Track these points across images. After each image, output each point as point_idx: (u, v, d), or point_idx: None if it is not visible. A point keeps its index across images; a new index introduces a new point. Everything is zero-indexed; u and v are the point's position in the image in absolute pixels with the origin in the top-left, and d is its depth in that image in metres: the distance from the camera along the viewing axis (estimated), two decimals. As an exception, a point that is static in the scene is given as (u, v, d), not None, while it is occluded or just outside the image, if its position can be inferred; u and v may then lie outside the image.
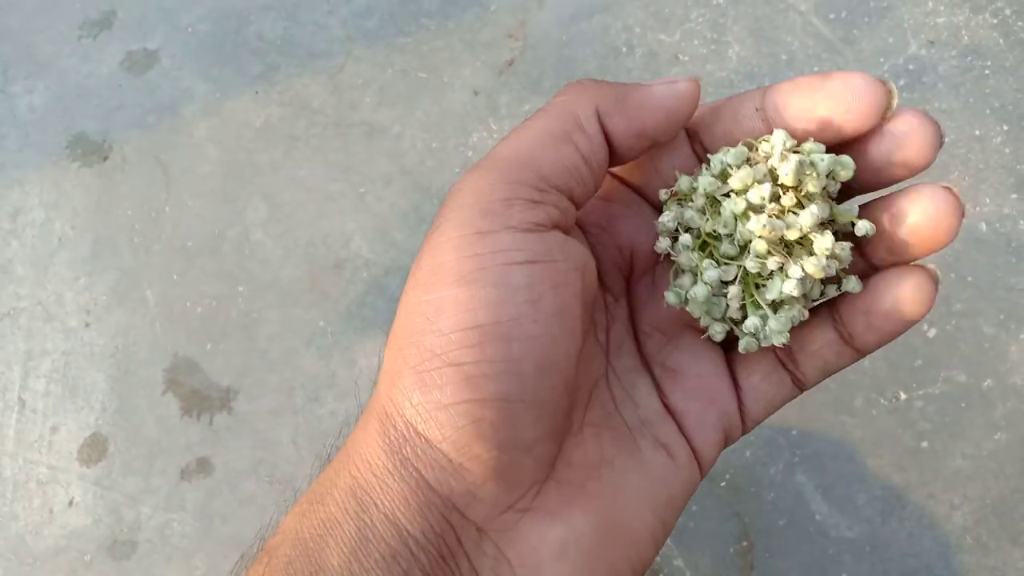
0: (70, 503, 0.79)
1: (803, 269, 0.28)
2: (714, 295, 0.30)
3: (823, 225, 0.29)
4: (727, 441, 0.31)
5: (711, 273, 0.30)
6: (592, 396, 0.31)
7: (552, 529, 0.27)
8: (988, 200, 0.78)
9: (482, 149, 0.85)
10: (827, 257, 0.28)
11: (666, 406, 0.31)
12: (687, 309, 0.31)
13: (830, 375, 0.31)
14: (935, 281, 0.29)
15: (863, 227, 0.29)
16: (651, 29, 0.88)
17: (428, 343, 0.26)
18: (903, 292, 0.28)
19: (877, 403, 0.74)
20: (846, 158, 0.29)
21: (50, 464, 0.81)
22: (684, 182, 0.31)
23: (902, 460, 0.72)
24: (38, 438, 0.82)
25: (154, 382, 0.82)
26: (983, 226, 0.77)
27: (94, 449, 0.81)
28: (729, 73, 0.86)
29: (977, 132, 0.80)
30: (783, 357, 0.31)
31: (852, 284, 0.30)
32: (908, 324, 0.29)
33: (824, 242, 0.28)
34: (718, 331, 0.31)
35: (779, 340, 0.29)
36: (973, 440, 0.72)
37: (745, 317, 0.30)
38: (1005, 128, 0.80)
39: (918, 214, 0.28)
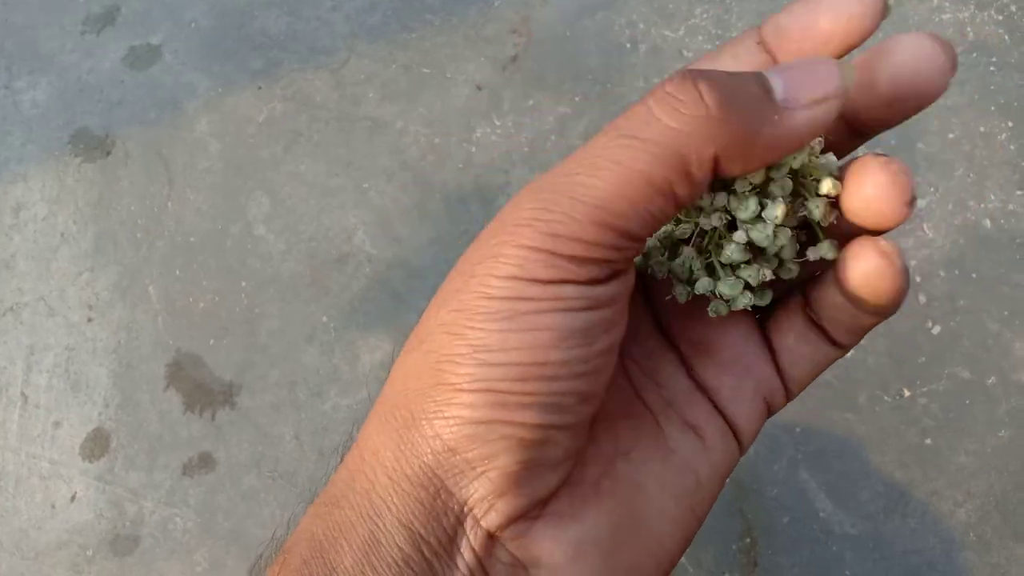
0: (72, 498, 0.79)
1: (747, 235, 0.27)
2: (671, 256, 0.29)
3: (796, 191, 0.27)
4: (771, 410, 0.30)
5: (663, 228, 0.28)
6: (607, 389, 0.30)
7: (566, 531, 0.26)
8: (993, 196, 0.78)
9: (485, 144, 0.85)
10: (776, 225, 0.26)
11: (696, 383, 0.30)
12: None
13: (862, 335, 0.28)
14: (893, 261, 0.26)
15: (827, 185, 0.26)
16: (655, 25, 0.88)
17: (470, 368, 0.25)
18: (864, 266, 0.26)
19: (881, 400, 0.73)
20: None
21: (52, 459, 0.81)
22: None
23: (905, 457, 0.72)
24: (41, 433, 0.82)
25: (156, 377, 0.82)
26: (987, 223, 0.77)
27: (96, 444, 0.81)
28: (733, 69, 0.86)
29: (982, 129, 0.80)
30: (812, 315, 0.29)
31: (824, 250, 0.27)
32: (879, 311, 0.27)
33: (772, 211, 0.26)
34: (681, 292, 0.29)
35: (741, 303, 0.28)
36: (977, 437, 0.72)
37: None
38: (1010, 124, 0.80)
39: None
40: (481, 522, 0.26)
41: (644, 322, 0.31)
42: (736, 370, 0.29)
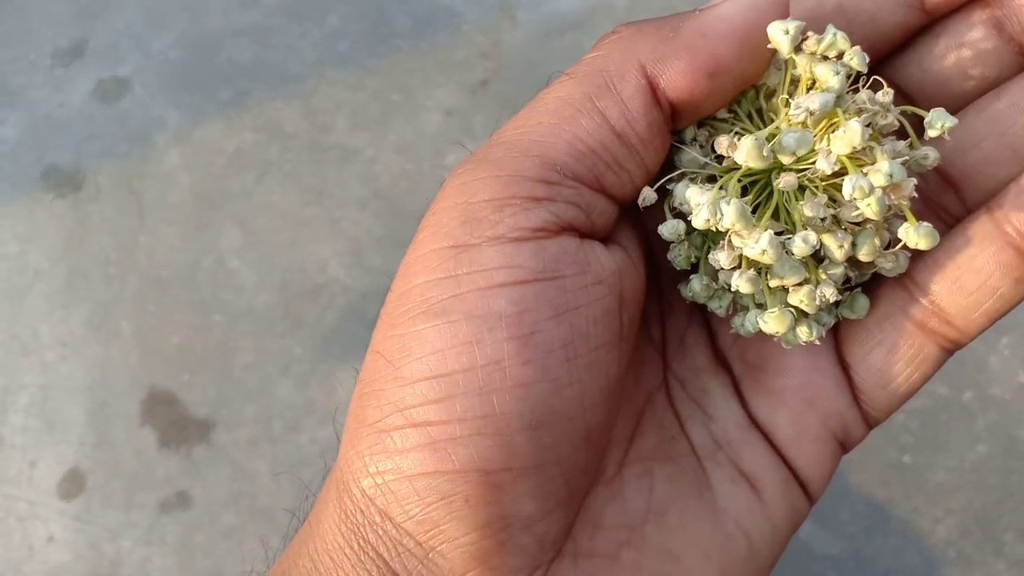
0: (50, 539, 0.79)
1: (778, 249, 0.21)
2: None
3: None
4: (845, 448, 0.24)
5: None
6: (644, 418, 0.24)
7: None
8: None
9: (457, 170, 0.85)
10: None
11: (751, 417, 0.24)
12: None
13: (1001, 316, 0.22)
14: None
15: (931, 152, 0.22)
16: (624, 44, 0.88)
17: (389, 394, 0.20)
18: None
19: (858, 417, 0.73)
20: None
21: (29, 499, 0.80)
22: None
23: (885, 475, 0.72)
24: (17, 473, 0.81)
25: (131, 414, 0.81)
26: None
27: (73, 483, 0.80)
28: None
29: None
30: (926, 312, 0.22)
31: (915, 237, 0.21)
32: None
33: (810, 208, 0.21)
34: (738, 323, 0.23)
35: (798, 339, 0.22)
36: (955, 452, 0.72)
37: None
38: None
39: None
40: None
41: (693, 330, 0.25)
42: (795, 402, 0.23)
